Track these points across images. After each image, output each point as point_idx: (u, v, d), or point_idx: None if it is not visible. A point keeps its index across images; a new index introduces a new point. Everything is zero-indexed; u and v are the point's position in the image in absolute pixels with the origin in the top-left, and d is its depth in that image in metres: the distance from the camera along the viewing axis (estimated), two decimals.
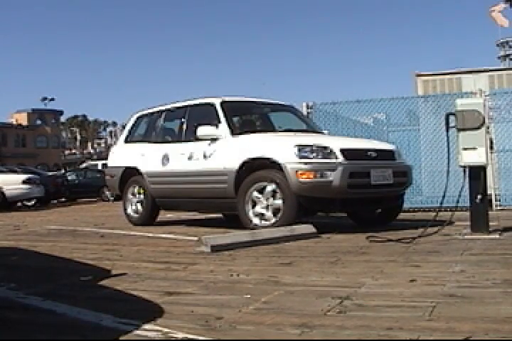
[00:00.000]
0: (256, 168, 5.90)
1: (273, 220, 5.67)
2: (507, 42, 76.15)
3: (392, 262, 3.69)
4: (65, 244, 5.43)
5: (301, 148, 5.62)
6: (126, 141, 8.11)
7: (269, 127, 7.08)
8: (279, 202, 5.66)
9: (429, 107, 8.95)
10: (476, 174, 4.96)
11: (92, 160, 39.35)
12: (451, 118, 5.11)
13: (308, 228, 5.34)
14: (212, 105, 6.67)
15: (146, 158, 7.34)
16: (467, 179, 5.00)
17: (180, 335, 2.06)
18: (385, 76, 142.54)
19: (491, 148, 5.52)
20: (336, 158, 5.59)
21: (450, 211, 5.44)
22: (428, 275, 3.10)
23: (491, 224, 5.08)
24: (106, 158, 10.12)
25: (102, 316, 2.35)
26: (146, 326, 2.18)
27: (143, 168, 7.36)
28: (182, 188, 6.84)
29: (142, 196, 7.46)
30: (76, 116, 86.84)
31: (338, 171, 5.48)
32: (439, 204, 5.35)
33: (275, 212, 5.69)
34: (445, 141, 5.29)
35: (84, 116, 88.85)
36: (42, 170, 30.13)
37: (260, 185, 5.81)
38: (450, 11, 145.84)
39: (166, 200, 7.22)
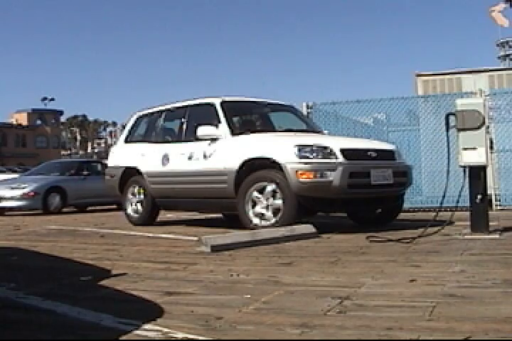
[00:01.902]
0: (256, 168, 5.90)
1: (273, 220, 5.67)
2: (507, 42, 76.20)
3: (392, 262, 3.69)
4: (65, 244, 5.43)
5: (301, 148, 5.63)
6: (126, 141, 8.11)
7: (269, 127, 7.08)
8: (279, 202, 5.66)
9: (429, 107, 8.96)
10: (476, 174, 4.96)
11: None
12: (451, 118, 5.11)
13: (308, 228, 5.34)
14: (212, 105, 6.67)
15: (146, 158, 7.34)
16: (467, 179, 5.01)
17: (180, 335, 2.06)
18: (385, 76, 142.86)
19: (491, 148, 5.53)
20: (336, 158, 5.59)
21: (450, 211, 5.45)
22: (428, 275, 3.10)
23: (491, 224, 5.08)
24: (106, 158, 10.11)
25: (102, 316, 2.35)
26: (146, 326, 2.18)
27: (143, 168, 7.36)
28: (182, 188, 6.84)
29: (142, 196, 7.46)
30: (76, 116, 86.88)
31: (338, 171, 5.48)
32: (439, 204, 5.35)
33: (275, 212, 5.68)
34: (445, 141, 5.29)
35: (84, 116, 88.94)
36: None
37: (260, 185, 5.81)
38: (450, 11, 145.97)
39: (166, 200, 7.22)
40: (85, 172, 12.70)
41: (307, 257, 4.08)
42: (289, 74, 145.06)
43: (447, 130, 5.15)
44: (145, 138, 7.77)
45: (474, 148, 4.92)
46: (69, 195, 12.07)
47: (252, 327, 2.16)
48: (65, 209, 12.75)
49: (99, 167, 13.61)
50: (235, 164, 6.02)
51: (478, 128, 4.92)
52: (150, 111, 7.93)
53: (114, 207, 13.04)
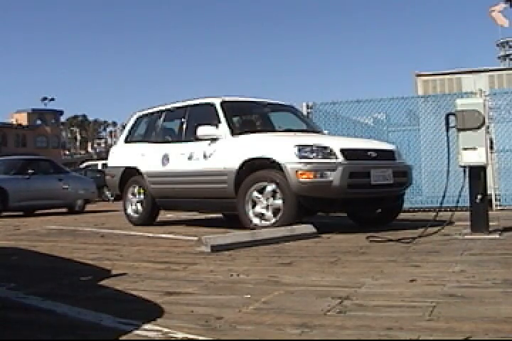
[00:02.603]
0: (256, 168, 5.90)
1: (273, 220, 5.67)
2: (507, 42, 76.15)
3: (392, 262, 3.69)
4: (65, 244, 5.43)
5: (301, 148, 5.63)
6: (126, 141, 8.11)
7: (269, 127, 7.08)
8: (279, 202, 5.66)
9: (429, 107, 8.96)
10: (476, 174, 4.96)
11: (92, 160, 39.33)
12: (451, 118, 5.11)
13: (308, 228, 5.34)
14: (212, 105, 6.67)
15: (146, 158, 7.34)
16: (467, 179, 5.00)
17: (180, 335, 2.06)
18: (385, 76, 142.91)
19: (491, 148, 5.53)
20: (336, 158, 5.59)
21: (450, 211, 5.45)
22: (428, 275, 3.10)
23: (491, 224, 5.08)
24: (106, 158, 10.08)
25: (102, 316, 2.35)
26: (146, 326, 2.18)
27: (143, 168, 7.36)
28: (182, 188, 6.84)
29: (142, 196, 7.46)
30: (76, 116, 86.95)
31: (338, 171, 5.48)
32: (439, 204, 5.35)
33: (275, 212, 5.68)
34: (445, 141, 5.29)
35: (84, 116, 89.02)
36: None
37: (260, 185, 5.81)
38: (450, 10, 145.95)
39: (166, 200, 7.22)
40: (30, 171, 11.24)
41: (307, 257, 4.08)
42: (289, 74, 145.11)
43: (447, 130, 5.15)
44: (145, 138, 7.77)
45: (474, 148, 4.92)
46: (10, 197, 10.61)
47: (252, 327, 2.15)
48: (8, 213, 10.99)
49: (47, 165, 12.51)
50: (235, 164, 6.02)
51: (478, 128, 4.92)
52: (150, 111, 7.93)
53: (65, 210, 11.97)
